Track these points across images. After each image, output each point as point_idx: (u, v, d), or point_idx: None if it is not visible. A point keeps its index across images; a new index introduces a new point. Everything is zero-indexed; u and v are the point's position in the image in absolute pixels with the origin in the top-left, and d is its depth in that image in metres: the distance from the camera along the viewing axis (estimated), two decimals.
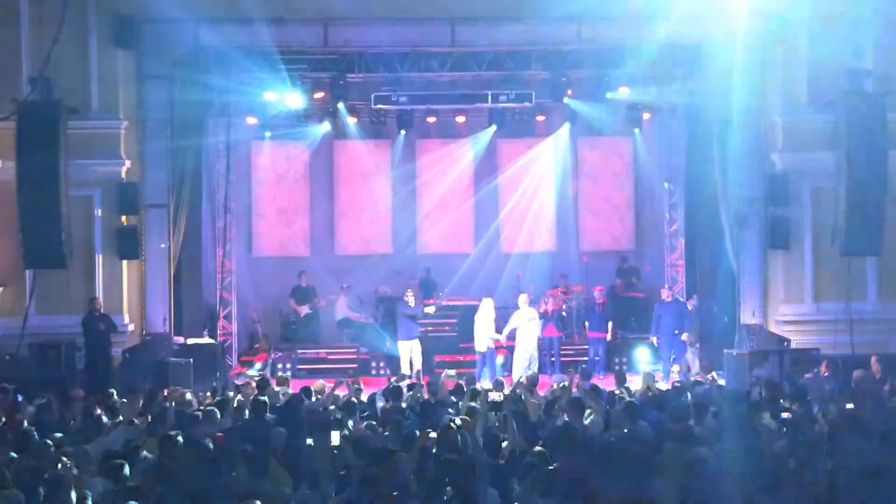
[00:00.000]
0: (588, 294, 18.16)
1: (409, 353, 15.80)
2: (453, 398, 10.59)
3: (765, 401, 10.11)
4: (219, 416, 9.43)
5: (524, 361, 15.52)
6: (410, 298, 16.13)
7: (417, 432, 8.07)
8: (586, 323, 17.25)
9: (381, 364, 17.05)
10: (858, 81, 14.66)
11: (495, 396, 9.00)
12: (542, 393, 11.42)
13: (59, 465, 7.05)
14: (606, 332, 16.86)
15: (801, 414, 8.99)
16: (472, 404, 9.38)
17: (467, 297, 18.14)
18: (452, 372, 13.10)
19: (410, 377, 13.50)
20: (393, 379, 13.24)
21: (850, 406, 9.23)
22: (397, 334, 16.13)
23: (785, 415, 8.81)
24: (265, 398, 10.07)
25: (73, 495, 6.54)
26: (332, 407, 9.99)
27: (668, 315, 16.32)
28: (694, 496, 6.09)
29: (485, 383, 13.27)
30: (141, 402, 10.49)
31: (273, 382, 12.65)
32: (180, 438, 7.98)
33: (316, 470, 6.67)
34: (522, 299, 16.11)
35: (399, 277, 18.98)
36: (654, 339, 16.40)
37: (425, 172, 19.84)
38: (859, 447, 7.45)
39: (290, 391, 11.72)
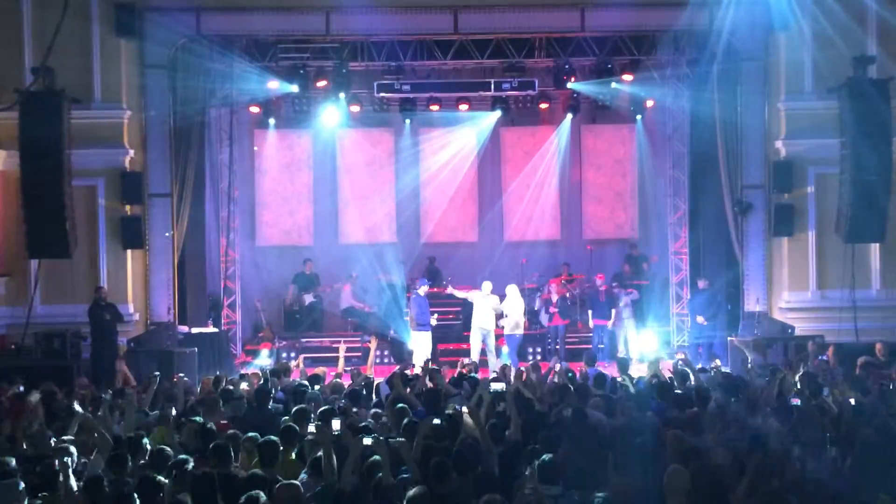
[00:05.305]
0: (591, 282, 18.15)
1: (423, 343, 15.66)
2: (455, 388, 10.58)
3: (768, 388, 10.09)
4: (221, 404, 9.45)
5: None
6: (422, 291, 15.95)
7: (421, 420, 8.07)
8: (590, 311, 17.25)
9: (386, 352, 17.04)
10: (862, 68, 14.62)
11: (498, 385, 8.99)
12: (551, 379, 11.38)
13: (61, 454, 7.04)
14: (610, 318, 16.86)
15: (808, 401, 8.97)
16: (477, 393, 9.40)
17: (472, 286, 18.11)
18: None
19: (413, 365, 13.50)
20: (398, 367, 13.26)
21: (854, 394, 9.22)
22: (412, 324, 15.98)
23: (795, 401, 8.80)
24: (269, 387, 10.10)
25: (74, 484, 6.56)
26: (334, 395, 10.00)
27: (702, 302, 16.43)
28: (698, 483, 6.09)
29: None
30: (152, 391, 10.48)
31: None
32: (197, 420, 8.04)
33: (319, 458, 6.68)
34: (487, 286, 16.04)
35: (403, 266, 19.00)
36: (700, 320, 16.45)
37: (428, 161, 19.79)
38: (864, 434, 7.44)
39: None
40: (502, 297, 16.02)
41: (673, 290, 17.93)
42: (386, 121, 19.56)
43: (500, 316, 15.79)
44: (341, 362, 12.85)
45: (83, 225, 14.90)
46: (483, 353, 15.64)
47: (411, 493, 5.90)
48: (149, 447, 7.41)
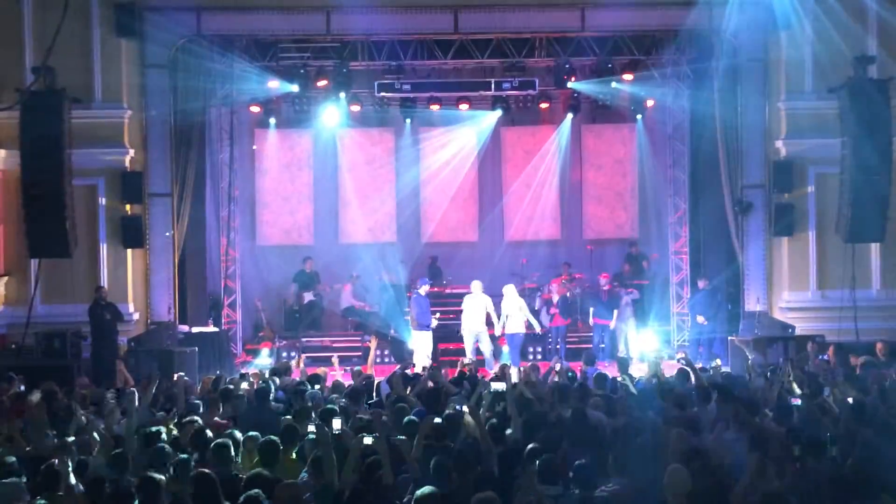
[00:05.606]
0: (592, 282, 18.14)
1: (424, 343, 15.65)
2: (455, 388, 10.58)
3: (768, 388, 10.09)
4: (221, 403, 9.45)
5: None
6: (423, 290, 15.93)
7: (421, 419, 8.07)
8: (591, 310, 17.23)
9: (386, 352, 17.03)
10: (863, 68, 14.63)
11: (498, 385, 8.98)
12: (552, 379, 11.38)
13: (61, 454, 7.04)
14: (611, 318, 16.83)
15: (809, 401, 8.97)
16: (478, 392, 9.41)
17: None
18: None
19: (413, 365, 13.51)
20: (398, 367, 13.26)
21: (854, 393, 9.21)
22: (413, 323, 15.96)
23: (796, 401, 8.80)
24: (269, 386, 10.10)
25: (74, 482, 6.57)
26: (335, 395, 10.00)
27: (702, 302, 16.46)
28: (698, 483, 6.09)
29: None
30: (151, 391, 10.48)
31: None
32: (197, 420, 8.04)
33: (319, 458, 6.68)
34: (477, 286, 16.03)
35: (404, 265, 19.00)
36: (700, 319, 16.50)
37: (429, 160, 19.78)
38: (865, 435, 7.44)
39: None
40: (500, 297, 16.00)
41: (673, 290, 17.92)
42: (386, 120, 19.56)
43: (501, 320, 15.78)
44: (372, 356, 13.01)
45: (83, 225, 14.91)
46: (478, 352, 15.61)
47: (419, 493, 5.88)
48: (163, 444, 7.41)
